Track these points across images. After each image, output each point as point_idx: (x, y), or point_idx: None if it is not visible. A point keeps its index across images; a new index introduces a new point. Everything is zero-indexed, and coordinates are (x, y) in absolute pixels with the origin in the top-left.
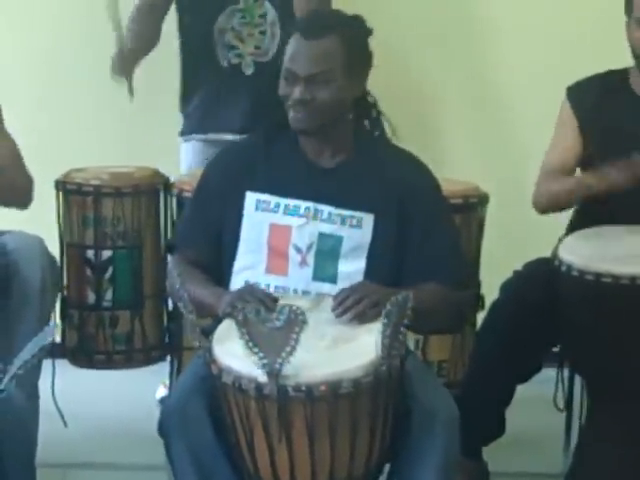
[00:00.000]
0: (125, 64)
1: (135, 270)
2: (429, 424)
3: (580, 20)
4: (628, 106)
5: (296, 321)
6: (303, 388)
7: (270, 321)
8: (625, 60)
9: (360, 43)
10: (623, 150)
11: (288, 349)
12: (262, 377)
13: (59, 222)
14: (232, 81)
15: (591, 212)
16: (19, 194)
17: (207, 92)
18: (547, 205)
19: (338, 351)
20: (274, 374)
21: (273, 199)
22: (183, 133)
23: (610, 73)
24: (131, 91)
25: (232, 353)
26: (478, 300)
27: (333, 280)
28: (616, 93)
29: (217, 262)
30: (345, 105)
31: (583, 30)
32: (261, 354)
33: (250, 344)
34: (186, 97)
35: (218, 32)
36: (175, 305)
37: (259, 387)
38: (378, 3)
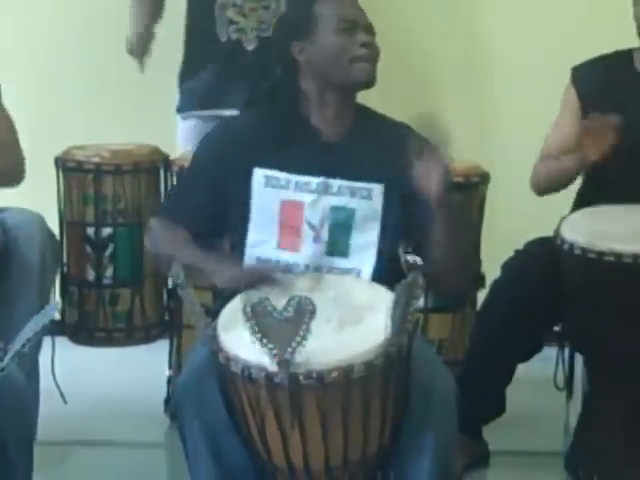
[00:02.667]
0: (144, 44)
1: (135, 248)
2: (425, 400)
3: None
4: (631, 87)
5: (305, 311)
6: (314, 375)
7: (279, 312)
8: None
9: None
10: (625, 131)
11: (298, 339)
12: (272, 366)
13: (59, 199)
14: (232, 57)
15: (595, 192)
16: (12, 172)
17: (206, 68)
18: (543, 185)
19: (346, 334)
20: (285, 363)
21: (282, 175)
22: (180, 110)
23: (615, 54)
24: (142, 66)
25: (240, 341)
26: (479, 279)
27: (345, 254)
28: (620, 74)
29: (207, 231)
30: None
31: (588, 8)
32: (271, 345)
33: (259, 335)
34: (185, 73)
35: (219, 7)
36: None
37: (269, 376)
38: None
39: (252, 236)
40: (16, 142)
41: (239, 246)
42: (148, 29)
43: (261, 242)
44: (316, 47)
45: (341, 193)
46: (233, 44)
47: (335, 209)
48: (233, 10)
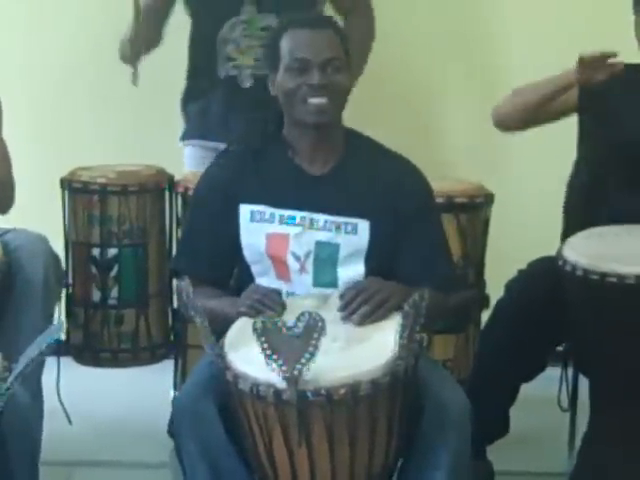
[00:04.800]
0: (136, 51)
1: (140, 268)
2: (440, 417)
3: (587, 19)
4: (634, 100)
5: (315, 328)
6: (323, 392)
7: (288, 328)
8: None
9: (346, 42)
10: (626, 146)
11: (307, 355)
12: (280, 383)
13: (64, 220)
14: (229, 93)
15: (593, 210)
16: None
17: (205, 101)
18: (507, 114)
19: (353, 352)
20: (293, 380)
21: (267, 209)
22: (183, 137)
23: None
24: (135, 78)
25: (248, 359)
26: (483, 299)
27: (334, 285)
28: (623, 86)
29: (223, 277)
30: (347, 98)
31: (590, 29)
32: (280, 362)
33: (269, 352)
34: (187, 102)
35: (220, 42)
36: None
37: (278, 393)
38: None
39: (255, 267)
40: (8, 170)
41: (250, 278)
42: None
43: (263, 272)
44: (277, 82)
45: (326, 228)
46: (230, 80)
47: (320, 244)
48: (232, 47)
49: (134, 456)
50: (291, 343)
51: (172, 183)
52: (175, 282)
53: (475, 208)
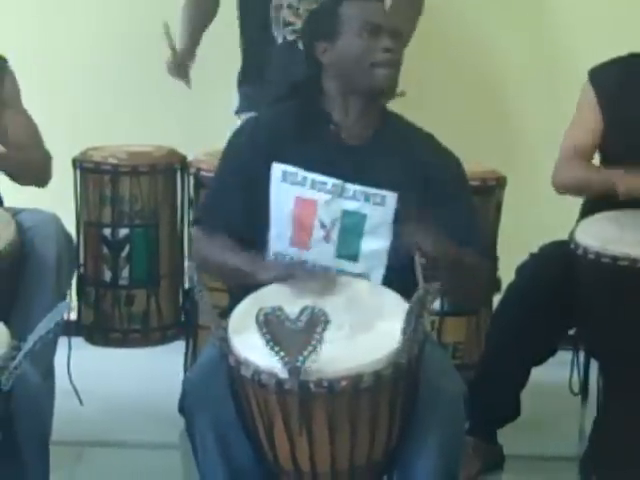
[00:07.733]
0: (179, 66)
1: (151, 248)
2: (433, 399)
3: (598, 2)
4: None
5: (318, 322)
6: (324, 384)
7: (291, 321)
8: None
9: None
10: None
11: (310, 348)
12: (282, 372)
13: (76, 200)
14: (289, 58)
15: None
16: (36, 172)
17: (264, 69)
18: (567, 189)
19: (357, 342)
20: (295, 371)
21: (300, 172)
22: (238, 112)
23: (632, 56)
24: (188, 84)
25: (251, 345)
26: (494, 282)
27: (355, 258)
28: (638, 75)
29: (246, 232)
30: None
31: (599, 13)
32: (282, 353)
33: (271, 344)
34: (243, 77)
35: (274, 9)
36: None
37: (279, 382)
38: None
39: (272, 230)
40: (39, 143)
41: (264, 239)
42: (185, 52)
43: (278, 237)
44: (338, 49)
45: (355, 197)
46: (289, 45)
47: (347, 213)
48: (288, 11)
49: (144, 436)
50: (293, 336)
51: (184, 163)
52: (193, 232)
53: (488, 191)
